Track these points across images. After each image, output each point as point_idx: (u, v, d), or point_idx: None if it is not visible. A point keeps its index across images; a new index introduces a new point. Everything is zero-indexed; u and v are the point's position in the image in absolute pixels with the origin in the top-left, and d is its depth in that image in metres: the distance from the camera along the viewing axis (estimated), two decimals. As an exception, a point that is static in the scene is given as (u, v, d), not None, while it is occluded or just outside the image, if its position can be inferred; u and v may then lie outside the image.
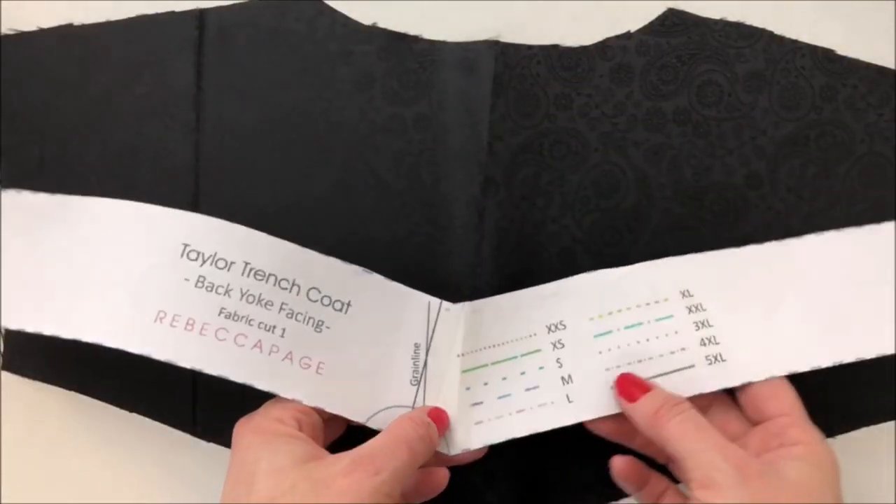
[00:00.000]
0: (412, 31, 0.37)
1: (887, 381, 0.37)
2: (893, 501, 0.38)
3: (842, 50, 0.37)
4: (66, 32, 0.38)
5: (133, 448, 0.40)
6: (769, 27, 0.37)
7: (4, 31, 0.38)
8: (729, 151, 0.37)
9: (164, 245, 0.33)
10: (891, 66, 0.37)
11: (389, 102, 0.37)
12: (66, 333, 0.33)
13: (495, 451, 0.35)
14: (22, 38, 0.38)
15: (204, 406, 0.38)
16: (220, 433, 0.38)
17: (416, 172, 0.37)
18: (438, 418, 0.34)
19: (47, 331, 0.33)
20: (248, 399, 0.33)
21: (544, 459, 0.37)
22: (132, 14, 0.38)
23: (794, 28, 0.37)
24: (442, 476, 0.34)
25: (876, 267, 0.36)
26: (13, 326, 0.34)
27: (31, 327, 0.33)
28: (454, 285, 0.36)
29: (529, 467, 0.37)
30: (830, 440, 0.37)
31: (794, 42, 0.37)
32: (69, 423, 0.40)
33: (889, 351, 0.35)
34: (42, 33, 0.38)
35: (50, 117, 0.38)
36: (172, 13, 0.38)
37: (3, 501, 0.40)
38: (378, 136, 0.37)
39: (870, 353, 0.35)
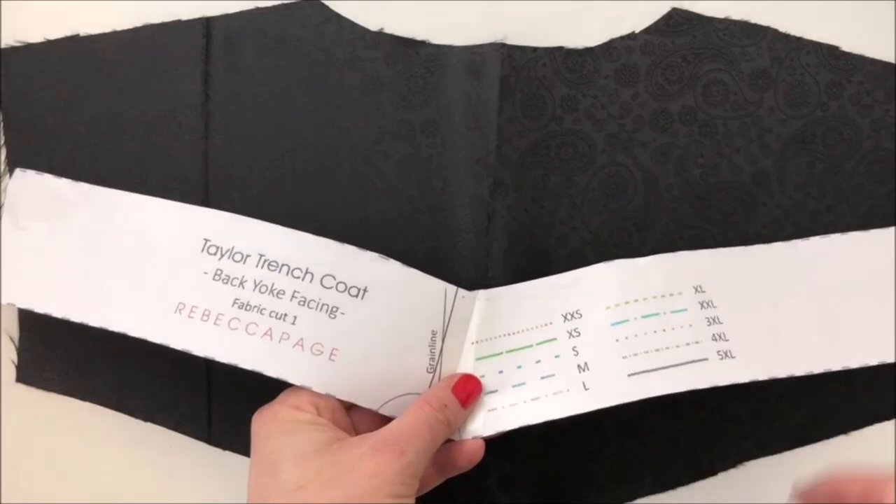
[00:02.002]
0: (419, 36, 0.37)
1: (887, 380, 0.37)
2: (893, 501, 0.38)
3: (846, 46, 0.37)
4: (72, 43, 0.38)
5: (134, 448, 0.40)
6: (773, 25, 0.37)
7: (11, 42, 0.38)
8: (736, 150, 0.37)
9: (187, 240, 0.34)
10: (894, 61, 0.37)
11: (397, 108, 0.37)
12: (95, 322, 0.34)
13: (511, 454, 0.35)
14: (28, 49, 0.38)
15: (218, 415, 0.38)
16: (234, 441, 0.38)
17: (426, 177, 0.37)
18: (466, 388, 0.34)
19: (76, 318, 0.34)
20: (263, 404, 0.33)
21: (560, 463, 0.38)
22: (139, 24, 0.38)
23: (798, 25, 0.37)
24: (476, 447, 0.34)
25: (879, 272, 0.36)
26: (39, 310, 0.35)
27: (58, 313, 0.35)
28: (465, 288, 0.36)
29: (545, 471, 0.37)
30: (830, 440, 0.38)
31: (799, 39, 0.37)
32: (70, 423, 0.40)
33: (889, 359, 0.35)
34: (48, 45, 0.38)
35: (58, 128, 0.38)
36: (179, 22, 0.38)
37: (3, 502, 0.40)
38: (386, 142, 0.37)
39: (867, 361, 0.35)
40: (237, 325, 0.33)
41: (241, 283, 0.33)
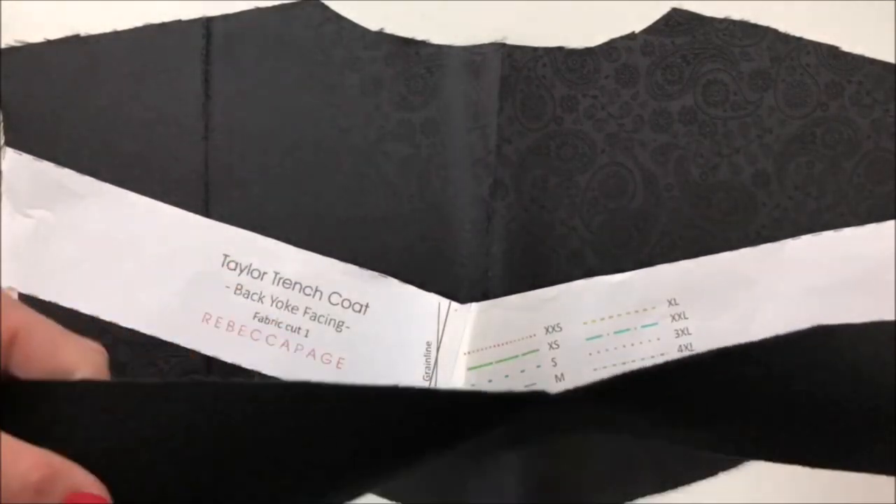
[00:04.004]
0: (419, 36, 0.37)
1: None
2: (893, 502, 0.38)
3: (846, 46, 0.37)
4: (72, 43, 0.38)
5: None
6: (773, 25, 0.37)
7: (11, 42, 0.38)
8: (736, 150, 0.37)
9: (208, 254, 0.37)
10: (894, 61, 0.37)
11: (397, 108, 0.37)
12: (126, 323, 0.37)
13: (511, 454, 0.35)
14: (28, 49, 0.38)
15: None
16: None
17: (426, 177, 0.37)
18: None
19: (105, 317, 0.37)
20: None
21: (560, 463, 0.38)
22: (139, 24, 0.38)
23: (798, 25, 0.37)
24: None
25: (873, 267, 0.36)
26: (66, 304, 0.37)
27: (86, 310, 0.37)
28: (465, 288, 0.36)
29: (545, 471, 0.37)
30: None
31: (799, 39, 0.37)
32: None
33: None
34: (48, 44, 0.38)
35: (58, 128, 0.38)
36: (179, 22, 0.38)
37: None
38: (387, 142, 0.37)
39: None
40: (258, 336, 0.37)
41: (260, 299, 0.37)
